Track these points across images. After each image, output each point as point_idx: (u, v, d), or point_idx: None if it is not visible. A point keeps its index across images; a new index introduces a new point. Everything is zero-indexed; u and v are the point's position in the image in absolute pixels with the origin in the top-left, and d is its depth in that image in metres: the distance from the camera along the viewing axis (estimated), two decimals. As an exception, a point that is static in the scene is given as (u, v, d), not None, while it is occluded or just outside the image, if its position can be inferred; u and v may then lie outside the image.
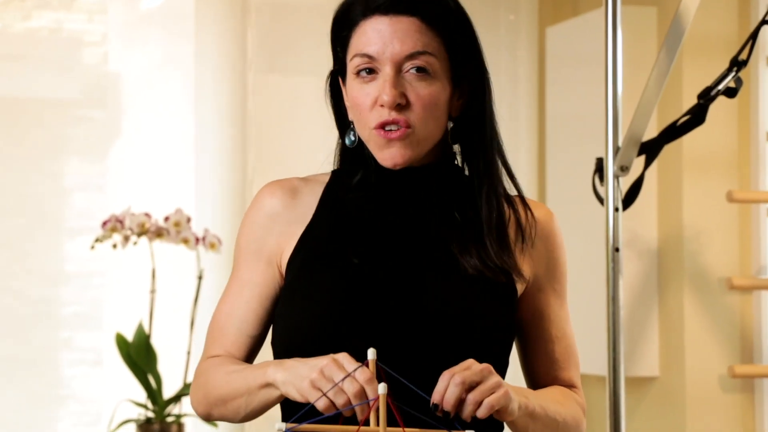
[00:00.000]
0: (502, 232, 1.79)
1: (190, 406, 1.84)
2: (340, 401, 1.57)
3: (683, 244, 3.54)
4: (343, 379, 1.56)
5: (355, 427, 1.51)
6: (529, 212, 1.82)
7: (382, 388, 1.50)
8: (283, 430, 1.49)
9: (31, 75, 3.89)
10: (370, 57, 1.73)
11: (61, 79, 3.91)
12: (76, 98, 3.93)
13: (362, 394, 1.56)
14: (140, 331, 3.53)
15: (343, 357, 1.60)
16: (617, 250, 2.67)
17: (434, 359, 1.67)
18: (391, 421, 1.53)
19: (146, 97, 3.95)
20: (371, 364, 1.58)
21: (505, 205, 1.81)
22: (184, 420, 3.51)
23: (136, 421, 3.50)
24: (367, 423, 1.54)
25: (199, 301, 3.58)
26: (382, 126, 1.73)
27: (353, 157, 1.82)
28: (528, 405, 1.68)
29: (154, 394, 3.51)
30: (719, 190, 3.49)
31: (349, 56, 1.77)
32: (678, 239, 3.56)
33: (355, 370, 1.57)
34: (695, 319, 3.53)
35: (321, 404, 1.58)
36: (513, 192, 1.84)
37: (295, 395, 1.61)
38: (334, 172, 1.85)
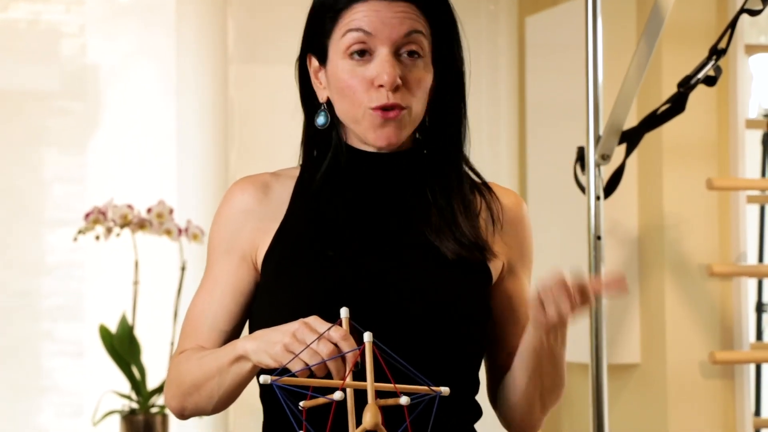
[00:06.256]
0: (472, 214, 1.81)
1: (165, 404, 1.83)
2: (315, 362, 1.55)
3: (663, 232, 3.56)
4: (317, 339, 1.55)
5: (340, 382, 1.48)
6: (495, 198, 1.85)
7: (367, 336, 1.46)
8: (269, 381, 1.46)
9: (9, 67, 3.88)
10: (366, 32, 1.73)
11: (40, 70, 3.90)
12: (54, 90, 3.92)
13: (336, 353, 1.55)
14: (124, 322, 3.53)
15: (314, 319, 1.59)
16: (599, 238, 2.68)
17: (417, 348, 1.68)
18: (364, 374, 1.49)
19: (125, 88, 3.94)
20: (344, 323, 1.56)
21: (475, 193, 1.83)
22: (168, 411, 3.52)
23: (120, 412, 3.50)
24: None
25: (182, 292, 3.58)
26: (381, 108, 1.73)
27: (320, 142, 1.82)
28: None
29: (138, 385, 3.51)
30: (699, 178, 3.50)
31: (338, 33, 1.76)
32: (658, 227, 3.58)
33: (328, 329, 1.55)
34: (676, 307, 3.55)
35: (296, 367, 1.56)
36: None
37: (269, 361, 1.60)
38: (302, 166, 1.84)
